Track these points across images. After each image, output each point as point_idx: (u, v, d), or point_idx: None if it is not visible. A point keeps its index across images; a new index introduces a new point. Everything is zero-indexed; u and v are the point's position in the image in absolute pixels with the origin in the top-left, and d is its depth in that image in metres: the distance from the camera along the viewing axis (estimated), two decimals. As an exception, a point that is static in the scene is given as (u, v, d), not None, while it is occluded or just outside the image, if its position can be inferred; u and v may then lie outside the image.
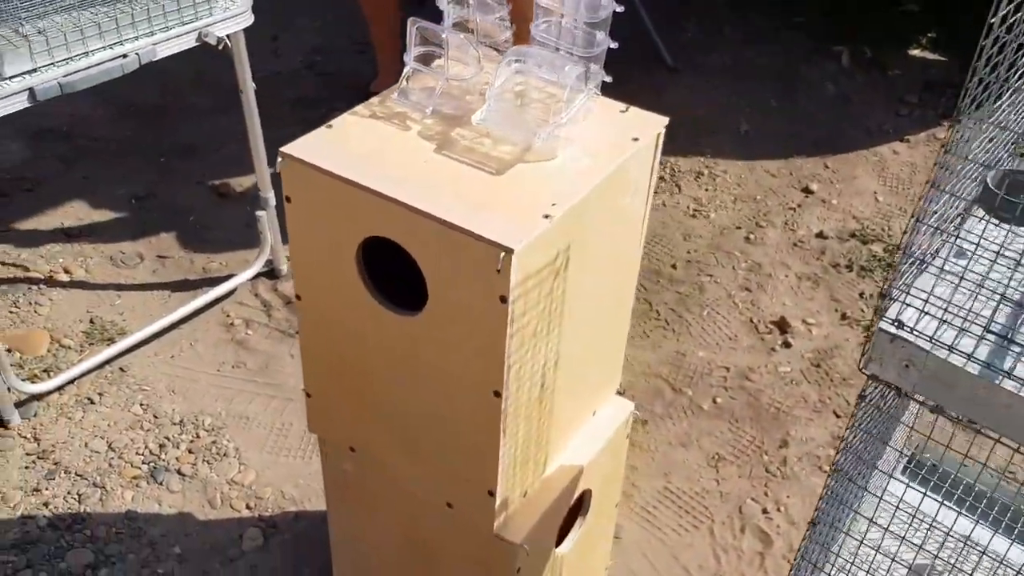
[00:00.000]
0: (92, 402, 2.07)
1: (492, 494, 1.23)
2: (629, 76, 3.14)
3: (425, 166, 1.15)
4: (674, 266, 2.48)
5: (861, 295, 2.42)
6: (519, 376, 1.15)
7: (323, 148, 1.17)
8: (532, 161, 1.17)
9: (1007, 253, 0.93)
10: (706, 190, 2.74)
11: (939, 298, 0.88)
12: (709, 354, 2.25)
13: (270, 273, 2.44)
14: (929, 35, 3.47)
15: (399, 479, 1.36)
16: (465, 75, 1.25)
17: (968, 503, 1.29)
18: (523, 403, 1.20)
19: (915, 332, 0.86)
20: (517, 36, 1.30)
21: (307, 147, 1.18)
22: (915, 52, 3.43)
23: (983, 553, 1.05)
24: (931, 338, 0.85)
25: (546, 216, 1.08)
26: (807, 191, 2.76)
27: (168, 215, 2.62)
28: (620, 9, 1.23)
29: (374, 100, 1.28)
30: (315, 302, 1.28)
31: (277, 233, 2.39)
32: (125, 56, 1.83)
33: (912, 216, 0.86)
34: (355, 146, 1.18)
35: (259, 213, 2.35)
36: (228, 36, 2.00)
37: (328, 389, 1.35)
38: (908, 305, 0.87)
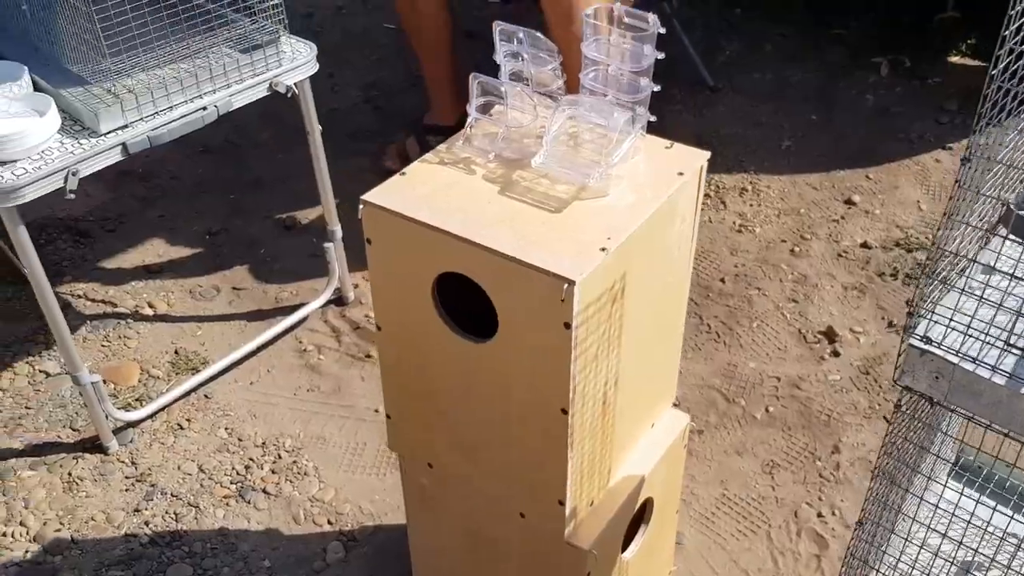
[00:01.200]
0: (182, 428, 2.23)
1: (562, 504, 1.34)
2: (671, 97, 3.26)
3: (491, 206, 1.27)
4: (723, 280, 2.58)
5: (908, 303, 2.49)
6: (583, 394, 1.27)
7: (398, 194, 1.30)
8: (587, 199, 1.29)
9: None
10: (750, 205, 2.83)
11: (963, 313, 0.98)
12: (760, 365, 2.34)
13: (338, 301, 2.58)
14: (969, 41, 3.51)
15: (473, 492, 1.48)
16: (523, 122, 1.38)
17: (1012, 502, 1.37)
18: (587, 419, 1.31)
19: (943, 347, 0.96)
20: (568, 84, 1.42)
21: (384, 194, 1.31)
22: (955, 59, 3.48)
23: (1020, 545, 1.14)
24: (957, 352, 0.95)
25: (602, 249, 1.19)
26: (849, 202, 2.84)
27: (240, 249, 2.79)
28: (661, 56, 1.34)
29: (441, 147, 1.40)
30: (394, 332, 1.41)
31: (344, 263, 2.54)
32: (205, 108, 1.99)
33: (933, 243, 0.96)
34: (427, 191, 1.30)
35: (327, 245, 2.49)
36: (295, 84, 2.15)
37: (406, 411, 1.48)
38: (935, 322, 0.97)
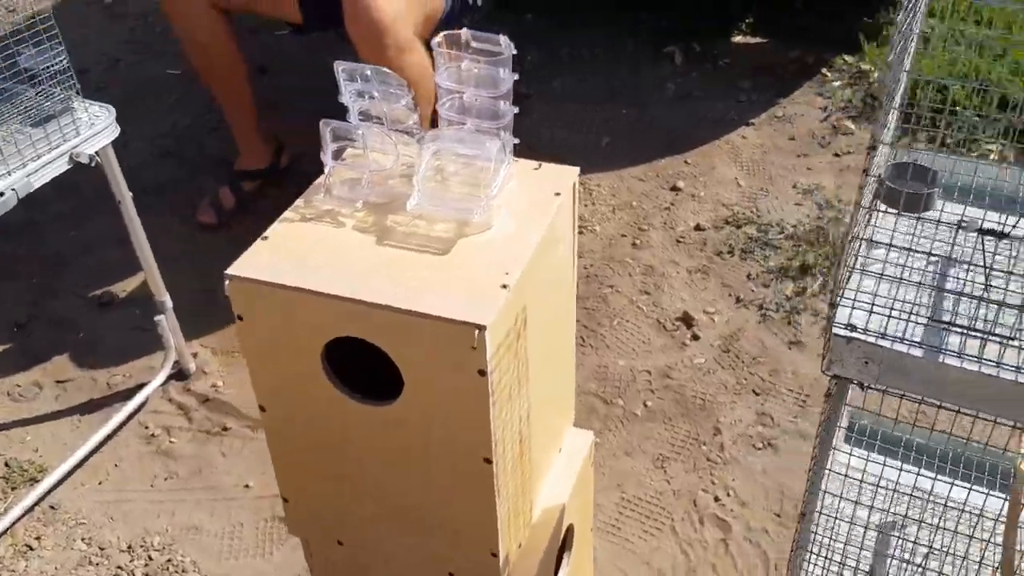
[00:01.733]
0: (32, 548, 1.98)
1: (495, 555, 1.28)
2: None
3: (372, 259, 1.19)
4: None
5: (748, 276, 2.59)
6: (503, 439, 1.21)
7: (266, 261, 1.19)
8: (471, 235, 1.22)
9: (919, 244, 1.06)
10: (586, 206, 2.86)
11: (866, 294, 1.00)
12: (629, 361, 2.36)
13: (179, 375, 2.39)
14: (748, 21, 3.71)
15: (396, 560, 1.38)
16: (385, 163, 1.30)
17: (912, 457, 1.42)
18: (508, 461, 1.25)
19: (868, 331, 0.97)
20: (422, 117, 1.35)
21: (250, 264, 1.19)
22: (738, 39, 3.67)
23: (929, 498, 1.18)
24: (883, 334, 0.96)
25: (504, 286, 1.13)
26: (675, 189, 2.92)
27: (55, 335, 2.53)
28: (517, 77, 1.30)
29: (299, 203, 1.30)
30: (281, 411, 1.29)
31: (179, 334, 2.35)
32: (2, 194, 1.77)
33: (847, 235, 0.97)
34: (298, 253, 1.20)
35: (157, 318, 2.30)
36: (98, 152, 1.96)
37: (307, 492, 1.36)
38: (856, 308, 0.98)
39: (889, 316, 0.98)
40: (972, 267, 1.03)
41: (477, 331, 1.07)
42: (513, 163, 1.32)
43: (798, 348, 2.37)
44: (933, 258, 1.05)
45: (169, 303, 2.30)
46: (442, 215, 1.25)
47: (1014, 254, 1.02)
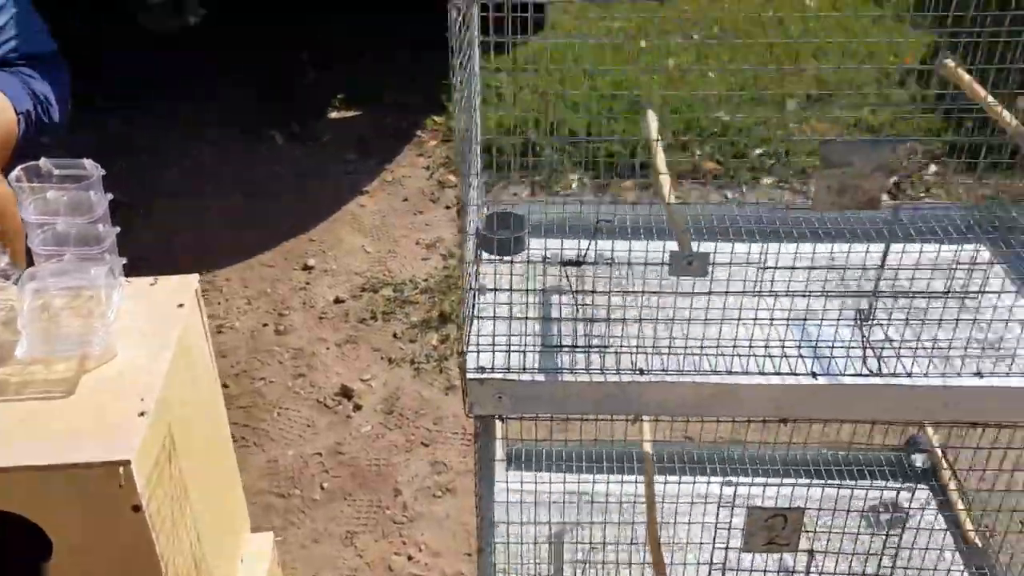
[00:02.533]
0: None
1: None
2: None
3: (-14, 420, 1.09)
4: (226, 385, 2.51)
5: (394, 336, 2.69)
6: (175, 565, 1.16)
7: None
8: (96, 368, 1.17)
9: (522, 282, 1.19)
10: (219, 304, 2.80)
11: (501, 335, 1.11)
12: (297, 449, 2.34)
13: None
14: (340, 96, 3.87)
15: None
16: (-21, 313, 1.20)
17: (565, 466, 1.57)
18: (189, 589, 1.20)
19: (496, 370, 1.07)
20: (14, 254, 1.27)
21: None
22: (335, 115, 3.80)
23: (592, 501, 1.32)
24: (508, 368, 1.07)
25: (142, 414, 1.10)
26: (308, 268, 2.96)
27: None
28: (111, 197, 1.27)
29: None
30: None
31: None
32: None
33: (461, 287, 1.07)
34: None
35: None
36: None
37: None
38: (482, 352, 1.08)
39: (509, 351, 1.09)
40: (562, 293, 1.18)
41: (122, 468, 1.03)
42: (126, 284, 1.28)
43: (453, 392, 2.50)
44: (535, 292, 1.19)
45: None
46: (59, 354, 1.17)
47: (592, 276, 1.18)
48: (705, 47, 3.86)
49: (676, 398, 1.10)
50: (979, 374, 1.10)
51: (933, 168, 3.31)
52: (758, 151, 3.44)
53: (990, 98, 1.22)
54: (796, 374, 1.09)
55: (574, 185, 3.22)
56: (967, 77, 1.29)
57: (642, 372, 1.08)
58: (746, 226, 1.24)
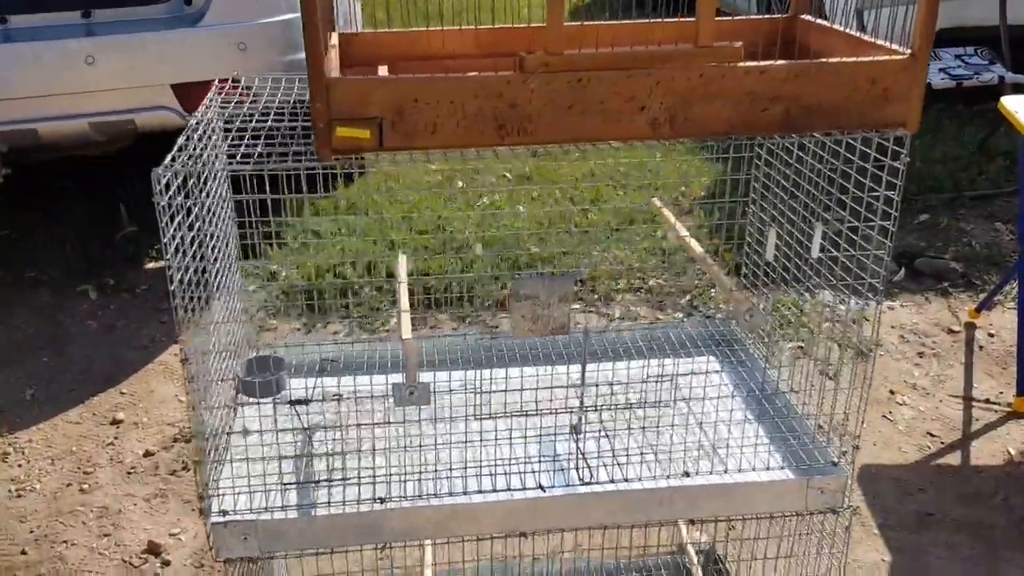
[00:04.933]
0: None
1: None
2: None
3: None
4: (24, 552, 2.41)
5: (207, 485, 2.65)
6: None
7: None
8: None
9: (277, 423, 1.25)
10: (20, 466, 2.70)
11: (256, 476, 1.16)
12: (99, 614, 2.25)
13: None
14: (157, 246, 3.88)
15: None
16: None
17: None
18: None
19: (239, 512, 1.12)
20: None
21: None
22: (151, 266, 3.81)
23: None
24: (250, 509, 1.12)
25: None
26: (116, 422, 2.90)
27: None
28: None
29: None
30: None
31: None
32: None
33: (197, 434, 1.12)
34: None
35: None
36: None
37: None
38: (230, 495, 1.13)
39: (251, 492, 1.15)
40: (305, 431, 1.25)
41: None
42: None
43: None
44: (273, 432, 1.25)
45: None
46: None
47: (342, 411, 1.26)
48: (516, 187, 4.13)
49: (419, 522, 1.18)
50: (687, 474, 1.23)
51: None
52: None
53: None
54: (526, 488, 1.19)
55: (392, 322, 3.32)
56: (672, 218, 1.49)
57: (382, 500, 1.16)
58: (466, 356, 1.36)
